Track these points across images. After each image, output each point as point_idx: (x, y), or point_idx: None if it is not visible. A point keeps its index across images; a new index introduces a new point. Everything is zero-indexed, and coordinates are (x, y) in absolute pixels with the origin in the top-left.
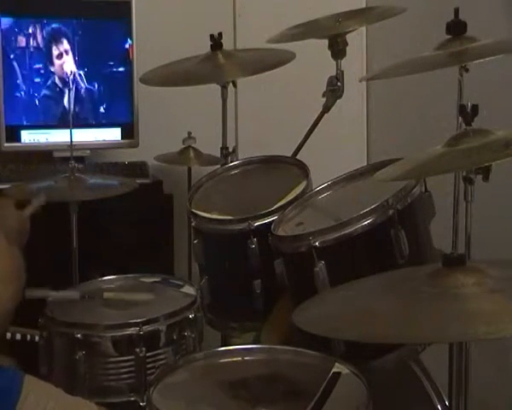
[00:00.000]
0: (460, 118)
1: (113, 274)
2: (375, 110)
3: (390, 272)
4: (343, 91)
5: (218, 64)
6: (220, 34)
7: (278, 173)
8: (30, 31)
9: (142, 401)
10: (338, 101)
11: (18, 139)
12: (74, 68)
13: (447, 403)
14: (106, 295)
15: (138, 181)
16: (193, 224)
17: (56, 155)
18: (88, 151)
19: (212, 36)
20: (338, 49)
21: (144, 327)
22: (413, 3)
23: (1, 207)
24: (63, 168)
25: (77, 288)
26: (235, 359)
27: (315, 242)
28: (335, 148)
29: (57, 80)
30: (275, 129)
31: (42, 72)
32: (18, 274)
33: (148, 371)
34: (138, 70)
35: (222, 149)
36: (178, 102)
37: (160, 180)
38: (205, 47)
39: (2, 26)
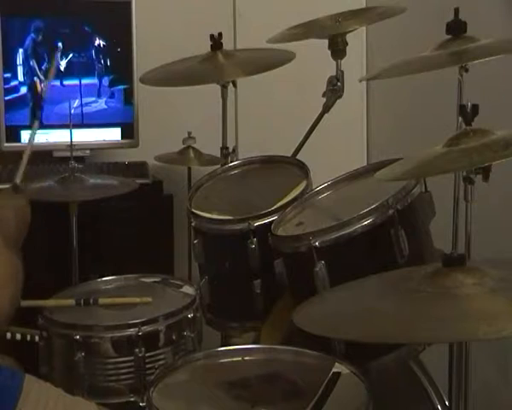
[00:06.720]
0: (460, 118)
1: (113, 274)
2: (375, 110)
3: (390, 272)
4: (343, 91)
5: (218, 64)
6: (220, 34)
7: (278, 173)
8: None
9: (142, 402)
10: (338, 101)
11: (18, 139)
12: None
13: (447, 403)
14: (101, 301)
15: (138, 181)
16: (193, 224)
17: (56, 154)
18: (88, 151)
19: (212, 36)
20: (338, 49)
21: (143, 328)
22: (413, 3)
23: None
24: (63, 168)
25: (76, 288)
26: (235, 359)
27: (315, 242)
28: (335, 148)
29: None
30: (275, 129)
31: (41, 72)
32: (14, 277)
33: (148, 372)
34: (138, 70)
35: (222, 149)
36: (178, 102)
37: (160, 180)
38: (205, 47)
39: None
